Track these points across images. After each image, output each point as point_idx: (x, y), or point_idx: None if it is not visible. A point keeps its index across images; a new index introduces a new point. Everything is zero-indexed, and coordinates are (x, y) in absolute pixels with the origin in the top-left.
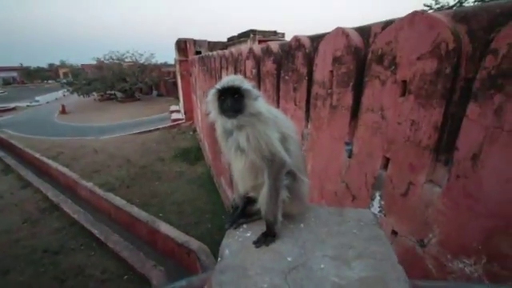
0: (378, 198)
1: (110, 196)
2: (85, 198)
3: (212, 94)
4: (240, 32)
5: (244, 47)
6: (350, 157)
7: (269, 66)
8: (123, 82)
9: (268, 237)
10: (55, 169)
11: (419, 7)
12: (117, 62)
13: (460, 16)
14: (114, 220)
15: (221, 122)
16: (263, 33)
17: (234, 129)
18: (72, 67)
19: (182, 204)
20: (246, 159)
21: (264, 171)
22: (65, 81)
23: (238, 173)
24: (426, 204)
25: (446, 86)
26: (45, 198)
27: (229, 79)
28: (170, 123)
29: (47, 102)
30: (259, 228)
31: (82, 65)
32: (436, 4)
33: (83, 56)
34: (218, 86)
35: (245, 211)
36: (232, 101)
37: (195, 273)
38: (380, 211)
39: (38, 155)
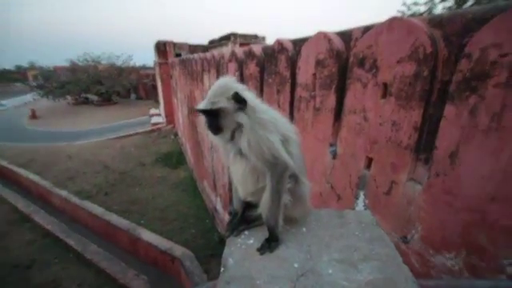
0: (362, 197)
1: (87, 204)
2: (59, 208)
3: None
4: (221, 35)
5: (226, 50)
6: (334, 158)
7: (252, 68)
8: (99, 84)
9: (271, 242)
10: (25, 177)
11: (393, 13)
12: (92, 64)
13: (436, 21)
14: (91, 229)
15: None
16: (244, 36)
17: (234, 132)
18: (43, 69)
19: (165, 210)
20: (247, 164)
21: (266, 175)
22: (35, 84)
23: (239, 177)
24: (408, 201)
25: (424, 88)
26: (14, 209)
27: (209, 95)
28: (150, 127)
29: (15, 107)
30: (261, 234)
31: (54, 67)
32: (408, 10)
33: (55, 58)
34: (198, 105)
35: (244, 217)
36: (210, 120)
37: (180, 280)
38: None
39: (5, 163)
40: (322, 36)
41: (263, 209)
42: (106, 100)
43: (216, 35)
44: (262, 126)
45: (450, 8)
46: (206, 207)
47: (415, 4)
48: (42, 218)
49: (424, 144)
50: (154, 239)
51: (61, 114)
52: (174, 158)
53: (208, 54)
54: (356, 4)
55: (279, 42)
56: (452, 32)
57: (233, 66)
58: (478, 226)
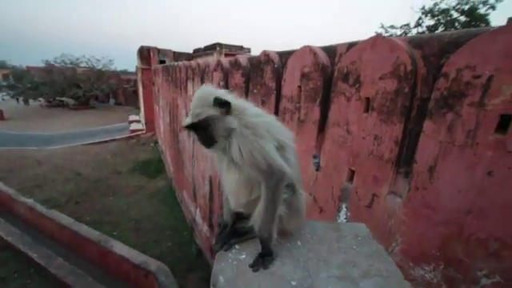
0: (344, 209)
1: (54, 214)
2: (23, 218)
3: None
4: (206, 45)
5: (211, 59)
6: (317, 170)
7: (237, 78)
8: (76, 87)
9: (265, 257)
10: None
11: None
12: (70, 66)
13: (415, 42)
14: (58, 241)
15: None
16: (229, 47)
17: (225, 141)
18: (14, 68)
19: (140, 221)
20: (240, 173)
21: (260, 185)
22: (5, 83)
23: (231, 187)
24: (389, 214)
25: (405, 104)
26: None
27: (192, 109)
28: (128, 134)
29: None
30: (254, 248)
31: (28, 67)
32: (386, 32)
33: (29, 57)
34: (183, 122)
35: (235, 229)
36: (200, 134)
37: None
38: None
39: None
40: (308, 50)
41: (256, 220)
42: (83, 104)
43: (200, 44)
44: (253, 131)
45: (423, 33)
46: (184, 218)
47: (392, 27)
48: (1, 228)
49: (404, 158)
50: (127, 252)
51: (32, 116)
52: (153, 167)
53: (193, 62)
54: (336, 24)
55: (265, 54)
56: (430, 53)
57: (218, 75)
58: (455, 239)
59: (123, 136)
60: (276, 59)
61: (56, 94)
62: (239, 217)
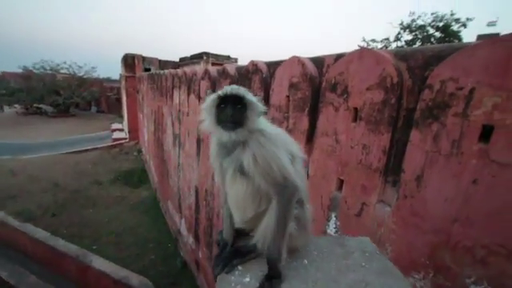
0: (333, 219)
1: (28, 227)
2: None
3: (211, 100)
4: (193, 53)
5: (198, 68)
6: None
7: None
8: (56, 95)
9: (273, 279)
10: None
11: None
12: (50, 72)
13: (401, 55)
14: (32, 257)
15: (216, 135)
16: (216, 56)
17: (235, 145)
18: None
19: (122, 233)
20: (249, 183)
21: (268, 198)
22: None
23: (237, 199)
24: (379, 223)
25: (391, 114)
26: None
27: (233, 87)
28: (110, 142)
29: None
30: (259, 269)
31: (3, 72)
32: (368, 46)
33: (4, 63)
34: (220, 91)
35: (236, 248)
36: (233, 110)
37: None
38: (336, 232)
39: None
40: (296, 60)
41: (261, 238)
42: (63, 111)
43: (187, 53)
44: (270, 140)
45: (401, 47)
46: (168, 230)
47: (373, 41)
48: None
49: (392, 167)
50: (107, 267)
51: (6, 124)
52: (136, 176)
53: (179, 71)
54: (323, 37)
55: (254, 64)
56: (415, 65)
57: (205, 83)
58: (443, 247)
59: (105, 145)
60: (264, 69)
61: (34, 100)
62: (239, 233)
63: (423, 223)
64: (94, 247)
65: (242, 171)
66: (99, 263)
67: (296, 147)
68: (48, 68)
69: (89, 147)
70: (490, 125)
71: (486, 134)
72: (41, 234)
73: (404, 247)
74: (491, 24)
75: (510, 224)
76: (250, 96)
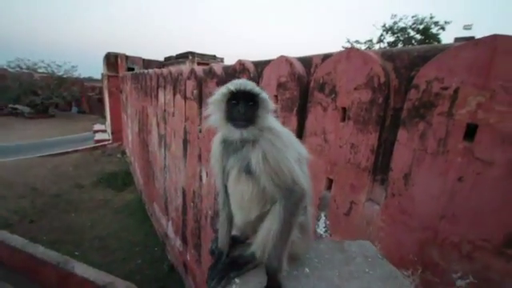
0: (323, 218)
1: (4, 235)
2: None
3: (221, 94)
4: (178, 53)
5: (184, 67)
6: None
7: (212, 87)
8: (34, 95)
9: None
10: None
11: (338, 49)
12: (26, 71)
13: (387, 55)
14: (8, 266)
15: (225, 132)
16: (202, 56)
17: (244, 143)
18: None
19: (106, 238)
20: (255, 184)
21: (272, 200)
22: None
23: (240, 201)
24: (368, 221)
25: (379, 113)
26: None
27: (243, 82)
28: (92, 144)
29: None
30: (257, 280)
31: None
32: (352, 47)
33: None
34: (232, 86)
35: (232, 258)
36: (245, 108)
37: None
38: (326, 231)
39: None
40: (284, 60)
41: (260, 245)
42: (41, 112)
43: (172, 53)
44: (280, 139)
45: (385, 48)
46: (155, 233)
47: (357, 42)
48: None
49: (380, 166)
50: (91, 273)
51: None
52: (120, 179)
53: (164, 70)
54: (308, 37)
55: (241, 63)
56: (401, 65)
57: (191, 83)
58: (430, 244)
59: (87, 146)
60: (252, 68)
61: (9, 101)
62: (235, 241)
63: (411, 221)
64: (77, 253)
65: (247, 171)
66: (82, 270)
67: (302, 147)
68: (24, 67)
69: (69, 149)
70: (474, 123)
71: (471, 132)
72: (18, 241)
73: (393, 245)
74: (467, 27)
75: (494, 219)
76: (263, 93)
